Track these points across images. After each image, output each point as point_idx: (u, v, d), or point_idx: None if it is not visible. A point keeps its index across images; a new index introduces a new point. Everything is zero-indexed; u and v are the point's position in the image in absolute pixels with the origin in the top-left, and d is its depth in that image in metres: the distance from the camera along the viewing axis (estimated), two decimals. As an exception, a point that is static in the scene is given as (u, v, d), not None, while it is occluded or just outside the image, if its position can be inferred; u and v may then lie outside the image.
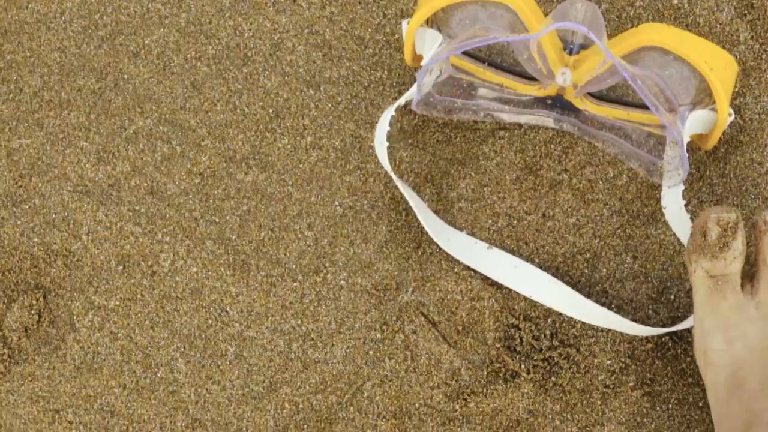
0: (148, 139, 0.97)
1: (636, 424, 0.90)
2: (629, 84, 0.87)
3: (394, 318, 0.92)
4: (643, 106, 0.88)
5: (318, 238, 0.94)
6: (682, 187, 0.88)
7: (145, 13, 0.99)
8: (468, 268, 0.92)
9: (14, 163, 0.98)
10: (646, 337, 0.90)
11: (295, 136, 0.96)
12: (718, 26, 0.94)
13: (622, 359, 0.90)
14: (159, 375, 0.94)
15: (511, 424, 0.90)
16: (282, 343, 0.93)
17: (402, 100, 0.89)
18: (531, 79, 0.90)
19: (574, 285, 0.92)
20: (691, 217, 0.90)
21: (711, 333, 0.81)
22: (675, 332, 0.90)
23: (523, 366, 0.90)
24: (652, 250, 0.92)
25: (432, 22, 0.87)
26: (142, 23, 0.99)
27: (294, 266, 0.94)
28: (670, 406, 0.90)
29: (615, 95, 0.90)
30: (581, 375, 0.90)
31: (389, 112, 0.88)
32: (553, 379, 0.90)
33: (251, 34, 0.98)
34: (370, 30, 0.98)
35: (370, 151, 0.95)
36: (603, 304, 0.91)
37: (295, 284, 0.94)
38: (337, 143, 0.96)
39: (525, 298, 0.91)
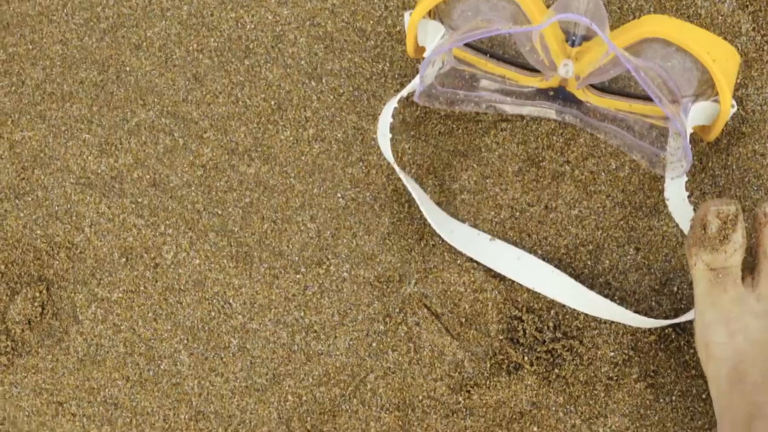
0: (150, 131, 0.97)
1: (639, 416, 0.90)
2: (631, 75, 0.88)
3: (397, 310, 0.92)
4: (646, 98, 0.88)
5: (321, 230, 0.94)
6: (685, 178, 0.88)
7: (147, 6, 0.99)
8: (471, 260, 0.92)
9: (17, 156, 0.97)
10: (650, 329, 0.90)
11: (297, 128, 0.96)
12: (720, 17, 0.94)
13: (626, 351, 0.90)
14: (162, 367, 0.94)
15: (514, 416, 0.90)
16: (285, 335, 0.93)
17: (405, 92, 0.89)
18: (533, 70, 0.90)
19: (577, 277, 0.92)
20: (694, 209, 0.90)
21: (712, 326, 0.81)
22: (678, 324, 0.90)
23: (526, 358, 0.90)
24: (654, 241, 0.92)
25: (434, 13, 0.87)
26: (143, 16, 0.99)
27: (297, 258, 0.94)
28: (674, 397, 0.90)
29: (617, 87, 0.90)
30: (584, 367, 0.90)
31: (392, 104, 0.88)
32: (557, 371, 0.90)
33: (253, 26, 0.98)
34: (371, 22, 0.97)
35: (373, 143, 0.95)
36: (606, 296, 0.91)
37: (297, 276, 0.94)
38: (339, 135, 0.96)
39: (528, 290, 0.91)
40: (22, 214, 0.96)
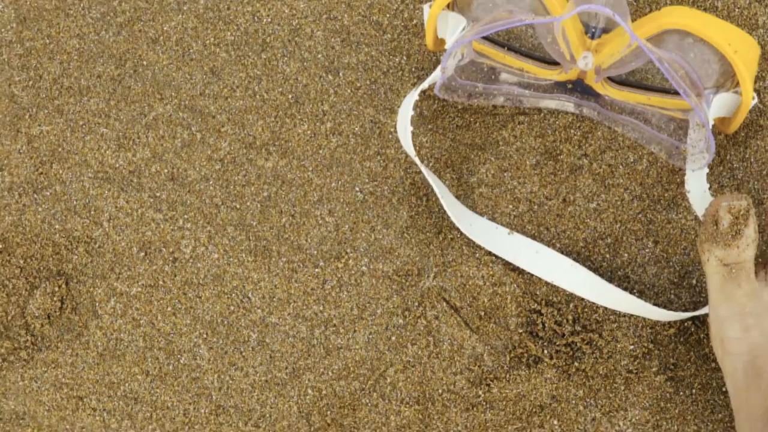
0: (167, 125, 0.97)
1: (659, 409, 0.90)
2: (650, 68, 0.87)
3: (416, 303, 0.92)
4: (664, 90, 0.88)
5: (339, 223, 0.94)
6: (707, 170, 0.88)
7: (164, 0, 0.99)
8: (489, 253, 0.92)
9: (35, 150, 0.97)
10: (669, 322, 0.90)
11: (314, 122, 0.96)
12: (737, 10, 0.94)
13: (645, 344, 0.90)
14: (182, 362, 0.94)
15: (534, 410, 0.90)
16: (304, 329, 0.93)
17: (425, 84, 0.89)
18: (550, 63, 0.90)
19: (596, 270, 0.92)
20: (714, 202, 0.90)
21: (727, 321, 0.81)
22: (697, 317, 0.90)
23: (545, 351, 0.90)
24: (673, 234, 0.92)
25: (452, 5, 0.87)
26: (160, 9, 0.99)
27: (315, 252, 0.94)
28: (694, 390, 0.90)
29: (635, 80, 0.89)
30: (604, 360, 0.90)
31: (413, 97, 0.88)
32: (576, 364, 0.90)
33: (269, 20, 0.98)
34: (388, 15, 0.97)
35: (390, 136, 0.95)
36: (625, 289, 0.91)
37: (316, 270, 0.94)
38: (356, 129, 0.96)
39: (547, 284, 0.91)
40: (40, 209, 0.96)
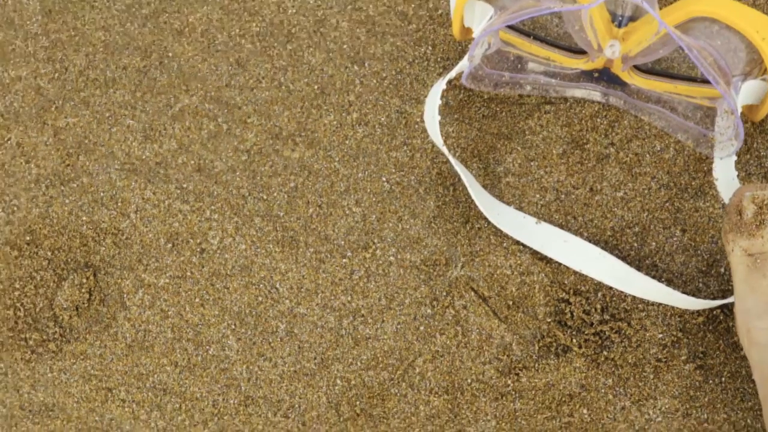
0: (194, 116, 0.97)
1: (689, 397, 0.89)
2: (675, 56, 0.87)
3: (444, 293, 0.92)
4: (691, 78, 0.88)
5: (366, 214, 0.94)
6: (735, 158, 0.88)
7: (188, -9, 0.99)
8: (517, 242, 0.92)
9: (61, 142, 0.98)
10: (698, 311, 0.90)
11: (340, 113, 0.96)
12: (763, -2, 0.94)
13: (674, 333, 0.90)
14: (210, 353, 0.94)
15: (563, 399, 0.90)
16: (332, 319, 0.93)
17: (453, 73, 0.88)
18: (577, 52, 0.90)
19: (624, 259, 0.92)
20: (742, 189, 0.89)
21: (753, 311, 0.81)
22: (726, 305, 0.90)
23: (574, 340, 0.89)
24: (701, 223, 0.92)
25: (478, -5, 0.87)
26: (185, 1, 0.99)
27: (342, 242, 0.94)
28: (723, 379, 0.89)
29: (662, 68, 0.89)
30: (633, 349, 0.90)
31: (440, 86, 0.88)
32: (605, 353, 0.89)
33: (295, 10, 0.98)
34: (413, 5, 0.97)
35: (416, 126, 0.95)
36: (653, 278, 0.91)
37: (344, 260, 0.93)
38: (383, 119, 0.95)
39: (574, 273, 0.91)
40: (67, 201, 0.96)
